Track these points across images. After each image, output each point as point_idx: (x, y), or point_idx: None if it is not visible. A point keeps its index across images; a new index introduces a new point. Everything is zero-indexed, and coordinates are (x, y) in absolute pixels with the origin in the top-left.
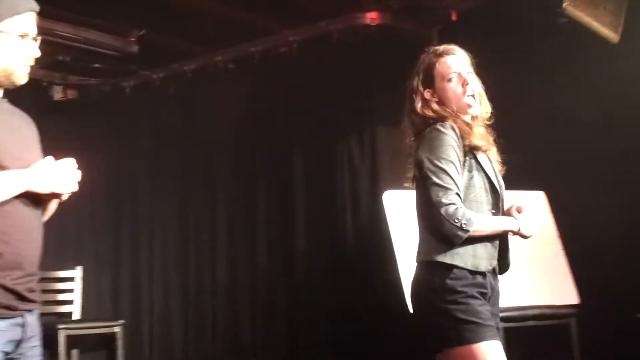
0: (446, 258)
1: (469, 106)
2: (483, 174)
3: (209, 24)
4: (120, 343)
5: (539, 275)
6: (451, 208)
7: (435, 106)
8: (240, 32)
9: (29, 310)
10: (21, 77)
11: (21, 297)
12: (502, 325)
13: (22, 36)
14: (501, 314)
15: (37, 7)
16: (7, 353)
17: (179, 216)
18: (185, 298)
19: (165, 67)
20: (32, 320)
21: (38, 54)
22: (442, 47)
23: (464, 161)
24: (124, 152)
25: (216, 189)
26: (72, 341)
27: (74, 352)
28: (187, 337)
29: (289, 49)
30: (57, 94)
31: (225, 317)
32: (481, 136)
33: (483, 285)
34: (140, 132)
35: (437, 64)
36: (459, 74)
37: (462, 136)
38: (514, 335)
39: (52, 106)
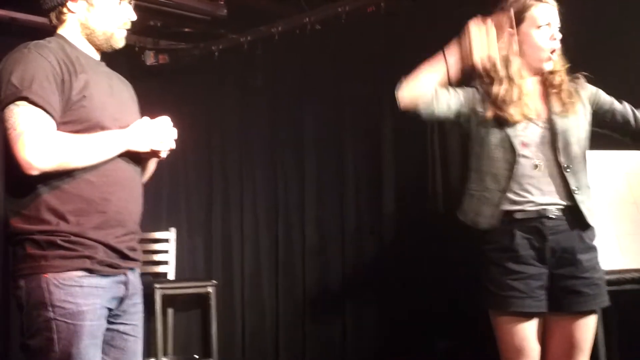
0: (459, 213)
1: (548, 60)
2: (504, 132)
3: None
4: (213, 302)
5: (637, 237)
6: None
7: (503, 57)
8: None
9: (131, 269)
10: (119, 41)
11: (123, 256)
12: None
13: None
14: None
15: None
16: (110, 309)
17: (268, 178)
18: (275, 258)
19: (253, 30)
20: (134, 279)
21: (134, 17)
22: None
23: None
24: (214, 115)
25: (304, 150)
26: (167, 300)
27: (169, 311)
28: (278, 296)
29: (377, 8)
30: (149, 58)
31: (314, 276)
32: (522, 105)
33: (509, 248)
34: (229, 95)
35: (532, 8)
36: (550, 26)
37: (496, 102)
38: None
39: (145, 71)
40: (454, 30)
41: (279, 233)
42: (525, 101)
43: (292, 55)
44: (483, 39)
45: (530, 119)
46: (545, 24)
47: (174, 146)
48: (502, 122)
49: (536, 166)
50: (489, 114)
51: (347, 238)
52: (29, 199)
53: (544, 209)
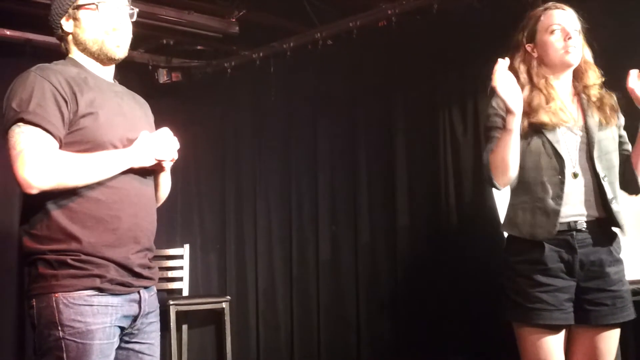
0: (506, 229)
1: (567, 55)
2: (544, 139)
3: (307, 1)
4: (227, 318)
5: None
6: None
7: (525, 69)
8: (338, 7)
9: (145, 287)
10: (114, 49)
11: (135, 274)
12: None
13: (97, 5)
14: (613, 288)
15: None
16: (123, 328)
17: (282, 193)
18: (289, 273)
19: (265, 47)
20: (149, 297)
21: (121, 21)
22: (550, 3)
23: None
24: (228, 132)
25: (318, 165)
26: (182, 317)
27: (184, 327)
28: (292, 311)
29: (388, 22)
30: (162, 77)
31: (328, 291)
32: (554, 112)
33: (539, 260)
34: (242, 112)
35: (542, 17)
36: (563, 28)
37: (525, 110)
38: None
39: (158, 89)
40: (466, 44)
41: (293, 248)
42: (556, 107)
43: (304, 70)
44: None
45: (566, 126)
46: (557, 28)
47: (176, 156)
48: (538, 129)
49: (575, 175)
50: (524, 123)
51: (360, 253)
52: (39, 219)
53: (575, 222)
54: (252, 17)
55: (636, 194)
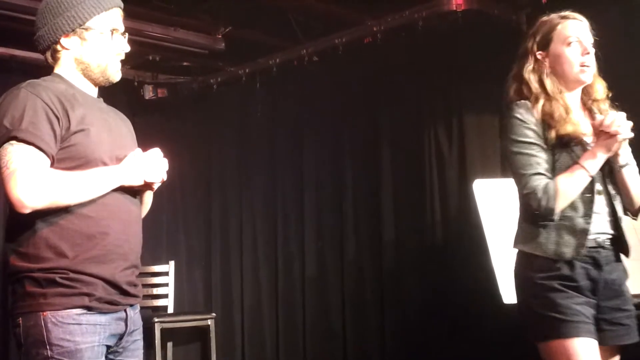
0: (526, 247)
1: (583, 74)
2: (574, 155)
3: (292, 18)
4: (212, 335)
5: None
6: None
7: (536, 79)
8: (323, 24)
9: (131, 305)
10: (115, 73)
11: (123, 292)
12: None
13: (112, 32)
14: (628, 307)
15: (121, 4)
16: (109, 347)
17: (268, 209)
18: (274, 290)
19: (251, 63)
20: (134, 315)
21: (128, 48)
22: (567, 12)
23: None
24: (214, 148)
25: (304, 182)
26: (167, 334)
27: (169, 345)
28: (278, 328)
29: (374, 39)
30: (148, 93)
31: (314, 308)
32: (575, 123)
33: (569, 277)
34: (228, 128)
35: (558, 26)
36: (580, 41)
37: (548, 122)
38: None
39: (144, 105)
40: (450, 61)
41: (279, 265)
42: (576, 119)
43: (290, 86)
44: None
45: (585, 141)
46: (575, 40)
47: (165, 177)
48: (566, 144)
49: (599, 192)
50: (552, 135)
51: (346, 269)
52: (27, 237)
53: (600, 238)
54: (238, 34)
55: (634, 217)
